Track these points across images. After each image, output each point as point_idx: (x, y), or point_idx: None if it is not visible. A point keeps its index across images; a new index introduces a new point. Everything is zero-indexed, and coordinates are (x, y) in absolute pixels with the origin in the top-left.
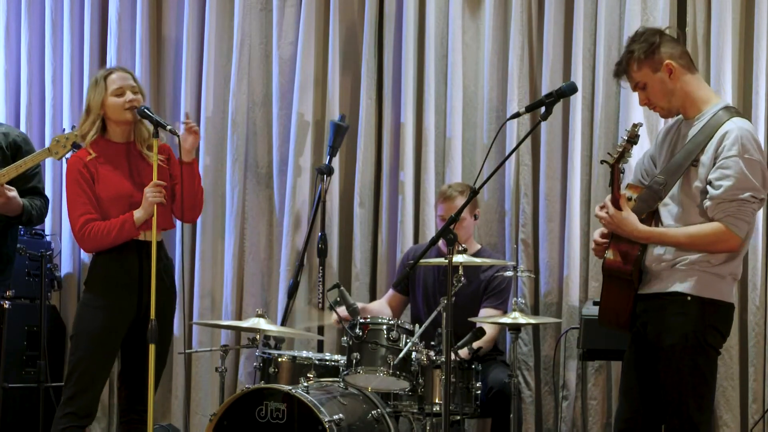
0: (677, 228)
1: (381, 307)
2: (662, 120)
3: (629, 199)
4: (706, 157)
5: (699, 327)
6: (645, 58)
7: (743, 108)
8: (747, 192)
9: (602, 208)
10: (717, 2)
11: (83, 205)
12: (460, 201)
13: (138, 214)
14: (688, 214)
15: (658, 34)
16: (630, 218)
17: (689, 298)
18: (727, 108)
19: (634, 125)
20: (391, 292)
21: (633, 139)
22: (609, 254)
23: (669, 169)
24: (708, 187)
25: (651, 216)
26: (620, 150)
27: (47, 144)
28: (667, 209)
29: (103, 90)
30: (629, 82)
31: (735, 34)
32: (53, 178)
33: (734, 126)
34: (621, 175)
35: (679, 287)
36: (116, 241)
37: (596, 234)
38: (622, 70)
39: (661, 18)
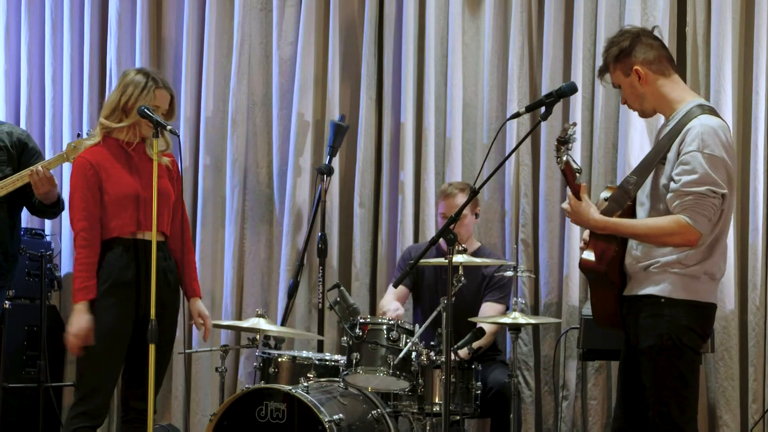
0: (636, 219)
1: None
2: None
3: (605, 200)
4: (671, 154)
5: (673, 328)
6: (615, 62)
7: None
8: (704, 186)
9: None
10: (717, 2)
11: (85, 219)
12: (461, 198)
13: (73, 316)
14: (656, 211)
15: (631, 38)
16: (585, 207)
17: (663, 300)
18: (699, 106)
19: (568, 125)
20: (391, 290)
21: (562, 138)
22: (585, 254)
23: (641, 168)
24: (670, 182)
25: (628, 215)
26: (555, 150)
27: (47, 145)
28: (643, 208)
29: (151, 101)
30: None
31: (735, 34)
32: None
33: (698, 122)
34: (578, 174)
35: (652, 290)
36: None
37: (586, 233)
38: (602, 70)
39: (661, 18)
